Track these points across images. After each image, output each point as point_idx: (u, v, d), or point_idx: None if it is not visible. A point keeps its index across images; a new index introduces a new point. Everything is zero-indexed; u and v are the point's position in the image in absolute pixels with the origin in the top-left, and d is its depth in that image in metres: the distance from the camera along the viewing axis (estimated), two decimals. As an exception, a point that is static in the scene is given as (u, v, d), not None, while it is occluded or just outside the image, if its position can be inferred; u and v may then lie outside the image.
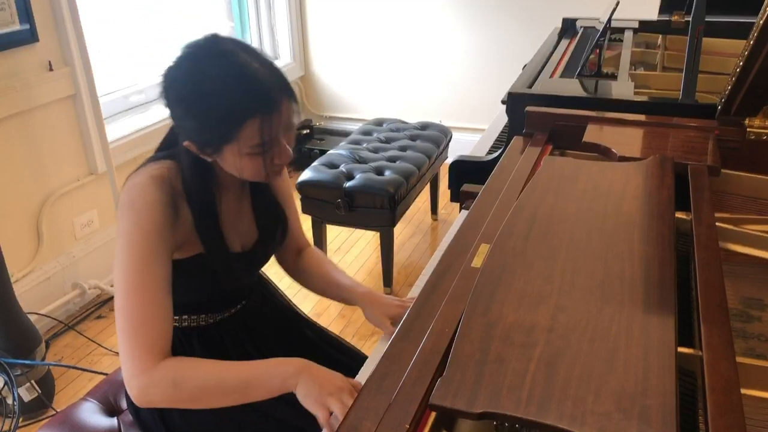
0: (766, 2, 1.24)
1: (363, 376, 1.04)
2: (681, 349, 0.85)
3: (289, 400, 1.20)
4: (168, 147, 1.13)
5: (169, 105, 1.02)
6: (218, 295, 1.20)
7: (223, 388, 1.00)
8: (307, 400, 0.96)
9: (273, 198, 1.25)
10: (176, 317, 1.18)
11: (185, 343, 1.20)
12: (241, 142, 0.99)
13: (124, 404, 1.33)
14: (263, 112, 0.97)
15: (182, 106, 1.00)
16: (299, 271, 1.37)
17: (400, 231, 3.13)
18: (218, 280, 1.14)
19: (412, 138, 3.00)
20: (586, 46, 2.27)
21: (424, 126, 3.14)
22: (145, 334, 0.99)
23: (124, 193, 1.04)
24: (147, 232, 1.01)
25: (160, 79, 1.01)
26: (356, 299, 1.26)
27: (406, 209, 2.70)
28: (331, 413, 0.93)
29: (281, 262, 1.39)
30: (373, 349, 1.14)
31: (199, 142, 1.02)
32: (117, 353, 2.33)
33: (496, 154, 1.82)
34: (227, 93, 0.96)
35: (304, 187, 2.59)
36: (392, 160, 2.76)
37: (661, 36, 2.42)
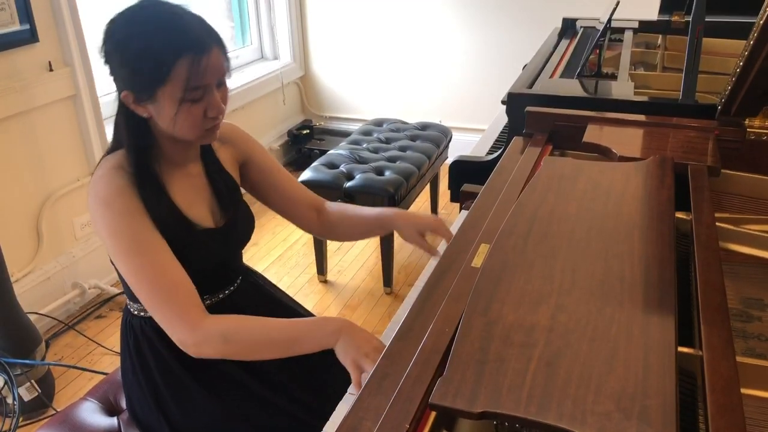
0: (766, 2, 1.24)
1: (363, 375, 1.04)
2: (681, 349, 0.85)
3: (292, 394, 1.21)
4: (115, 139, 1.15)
5: (107, 61, 1.05)
6: (203, 273, 1.18)
7: (270, 343, 1.05)
8: (344, 357, 1.01)
9: (223, 171, 1.24)
10: None
11: None
12: (173, 84, 1.01)
13: (123, 404, 1.33)
14: (193, 51, 1.00)
15: (117, 55, 1.03)
16: (328, 227, 1.39)
17: (400, 231, 3.12)
18: (199, 255, 1.15)
19: (412, 138, 3.00)
20: (586, 46, 2.27)
21: (424, 126, 3.14)
22: (177, 298, 1.03)
23: (90, 191, 1.07)
24: (126, 216, 1.04)
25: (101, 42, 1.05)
26: (387, 223, 1.34)
27: (407, 209, 2.70)
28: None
29: (308, 228, 1.40)
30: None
31: (135, 89, 1.03)
32: (117, 353, 2.33)
33: (496, 155, 1.83)
34: (158, 34, 1.00)
35: (304, 187, 2.59)
36: (392, 160, 2.76)
37: (661, 36, 2.42)
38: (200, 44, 1.01)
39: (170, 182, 1.14)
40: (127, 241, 1.03)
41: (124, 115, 1.08)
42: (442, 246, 1.37)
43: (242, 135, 1.30)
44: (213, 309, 1.23)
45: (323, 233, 1.41)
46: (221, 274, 1.25)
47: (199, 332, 1.02)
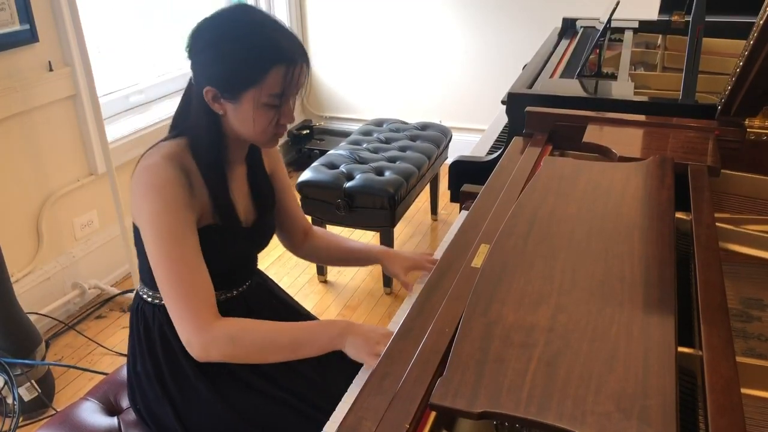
0: (766, 2, 1.25)
1: (363, 375, 1.04)
2: (681, 349, 0.85)
3: (295, 388, 1.23)
4: (177, 127, 1.18)
5: (193, 54, 1.09)
6: (224, 269, 1.22)
7: (276, 346, 1.08)
8: (357, 353, 1.04)
9: (266, 176, 1.31)
10: None
11: None
12: (263, 88, 1.06)
13: (124, 404, 1.33)
14: (289, 62, 1.06)
15: (211, 50, 1.07)
16: (312, 250, 1.46)
17: (400, 231, 3.13)
18: (226, 251, 1.19)
19: (412, 138, 3.00)
20: (586, 46, 2.27)
21: (424, 126, 3.14)
22: (195, 296, 1.06)
23: (138, 175, 1.09)
24: (171, 207, 1.07)
25: (189, 33, 1.09)
26: (374, 258, 1.41)
27: (406, 209, 2.70)
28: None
29: (292, 247, 1.46)
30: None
31: (221, 86, 1.08)
32: (117, 353, 2.33)
33: (496, 155, 1.83)
34: (261, 39, 1.05)
35: (304, 188, 2.59)
36: (392, 160, 2.76)
37: (661, 36, 2.42)
38: (295, 57, 1.07)
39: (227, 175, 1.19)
40: (166, 230, 1.07)
41: (202, 110, 1.11)
42: (439, 251, 1.38)
43: (275, 149, 1.35)
44: (226, 304, 1.26)
45: (304, 255, 1.48)
46: (239, 272, 1.29)
47: (208, 334, 1.05)
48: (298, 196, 2.55)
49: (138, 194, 1.09)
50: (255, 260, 1.37)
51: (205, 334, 1.05)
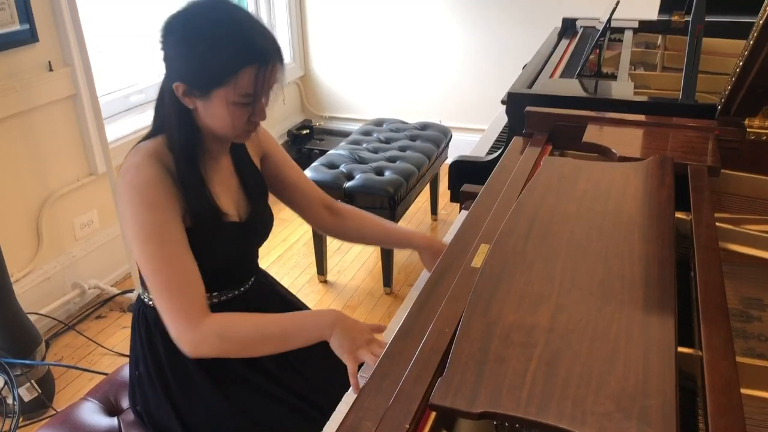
0: (766, 2, 1.25)
1: (363, 375, 1.04)
2: (681, 349, 0.85)
3: (296, 390, 1.23)
4: (156, 122, 1.16)
5: (165, 48, 1.07)
6: (222, 267, 1.21)
7: (265, 339, 1.08)
8: (340, 350, 1.05)
9: (253, 165, 1.28)
10: None
11: None
12: (233, 88, 1.04)
13: (124, 404, 1.34)
14: (261, 62, 1.04)
15: (181, 47, 1.05)
16: (344, 231, 1.43)
17: (400, 231, 3.12)
18: (220, 248, 1.17)
19: (412, 138, 3.00)
20: (586, 46, 2.27)
21: (424, 126, 3.14)
22: (185, 294, 1.05)
23: (121, 177, 1.08)
24: (154, 206, 1.06)
25: (161, 26, 1.06)
26: (416, 246, 1.39)
27: (406, 209, 2.70)
28: (361, 364, 1.03)
29: (317, 225, 1.43)
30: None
31: (191, 83, 1.06)
32: (117, 353, 2.33)
33: (496, 155, 1.83)
34: (230, 38, 1.03)
35: (304, 187, 2.58)
36: (392, 160, 2.76)
37: (661, 36, 2.42)
38: (266, 56, 1.04)
39: (205, 173, 1.16)
40: (149, 231, 1.05)
41: (173, 104, 1.10)
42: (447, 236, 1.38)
43: (261, 129, 1.31)
44: (228, 305, 1.25)
45: (335, 234, 1.45)
46: (239, 270, 1.28)
47: (199, 331, 1.04)
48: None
49: (121, 195, 1.08)
50: (255, 256, 1.35)
51: (194, 332, 1.04)
